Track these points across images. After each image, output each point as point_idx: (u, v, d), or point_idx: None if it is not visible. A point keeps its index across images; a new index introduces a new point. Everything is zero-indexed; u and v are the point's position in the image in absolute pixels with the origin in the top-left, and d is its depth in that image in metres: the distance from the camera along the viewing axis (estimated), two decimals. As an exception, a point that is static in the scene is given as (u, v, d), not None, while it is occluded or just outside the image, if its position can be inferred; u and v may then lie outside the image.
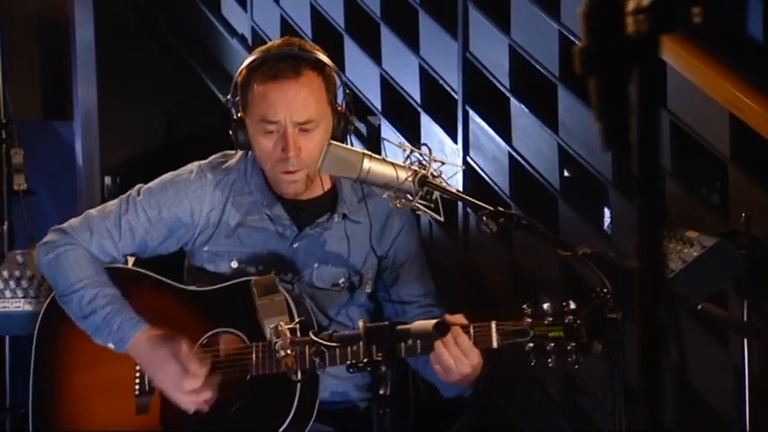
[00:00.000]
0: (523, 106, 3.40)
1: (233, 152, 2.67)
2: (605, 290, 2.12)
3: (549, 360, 2.23)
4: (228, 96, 2.60)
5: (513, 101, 3.44)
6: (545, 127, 3.32)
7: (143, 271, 2.66)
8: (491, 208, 2.23)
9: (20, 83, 4.99)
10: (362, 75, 4.01)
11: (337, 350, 2.16)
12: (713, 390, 2.87)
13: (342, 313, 2.62)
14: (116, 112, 4.87)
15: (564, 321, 2.22)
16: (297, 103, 2.50)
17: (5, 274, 3.08)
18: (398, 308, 2.65)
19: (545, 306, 2.24)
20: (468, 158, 3.60)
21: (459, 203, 3.63)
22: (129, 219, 2.61)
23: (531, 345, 2.25)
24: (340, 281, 2.61)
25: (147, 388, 2.56)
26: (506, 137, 3.46)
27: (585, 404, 3.29)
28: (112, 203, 2.66)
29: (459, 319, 2.37)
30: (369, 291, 2.65)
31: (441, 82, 3.69)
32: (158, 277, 2.64)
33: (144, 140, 5.14)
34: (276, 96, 2.50)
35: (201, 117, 4.82)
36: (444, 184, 2.30)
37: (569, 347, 2.22)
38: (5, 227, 3.88)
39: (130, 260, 2.76)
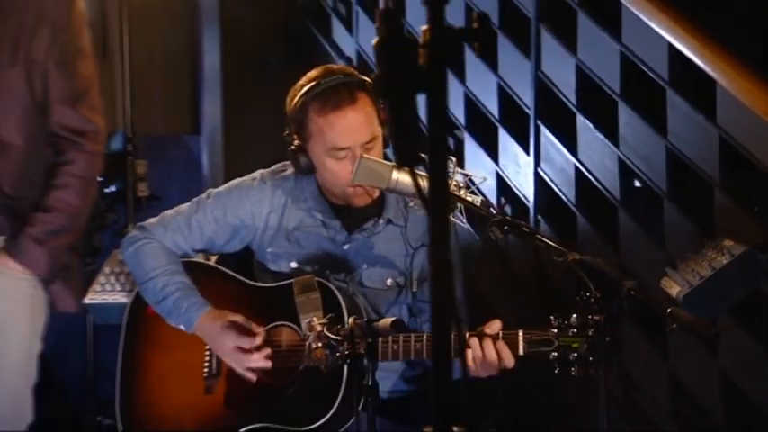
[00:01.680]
0: (588, 121, 3.34)
1: None
2: (588, 293, 2.09)
3: (573, 369, 2.21)
4: (286, 129, 2.63)
5: (578, 116, 3.38)
6: (607, 141, 3.25)
7: (215, 265, 2.76)
8: (498, 217, 2.22)
9: (162, 100, 5.19)
10: (449, 93, 4.00)
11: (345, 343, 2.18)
12: (756, 388, 2.77)
13: (391, 311, 2.64)
14: (246, 127, 4.98)
15: (587, 333, 2.19)
16: (360, 127, 2.54)
17: (107, 270, 3.23)
18: (422, 306, 2.66)
19: (572, 318, 2.22)
20: (539, 170, 3.55)
21: (531, 211, 3.61)
22: (198, 218, 2.70)
23: (556, 354, 2.23)
24: (387, 281, 2.63)
25: (214, 371, 2.64)
26: (573, 150, 3.40)
27: (646, 404, 3.21)
28: (186, 205, 2.75)
29: (495, 325, 2.35)
30: (415, 290, 2.65)
31: (516, 99, 3.65)
32: (228, 272, 2.72)
33: (271, 153, 5.24)
34: (342, 125, 2.54)
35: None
36: (463, 194, 2.29)
37: (591, 359, 2.19)
38: (129, 230, 4.02)
39: (213, 258, 2.85)
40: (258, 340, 2.51)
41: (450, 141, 4.09)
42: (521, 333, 2.30)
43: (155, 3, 5.00)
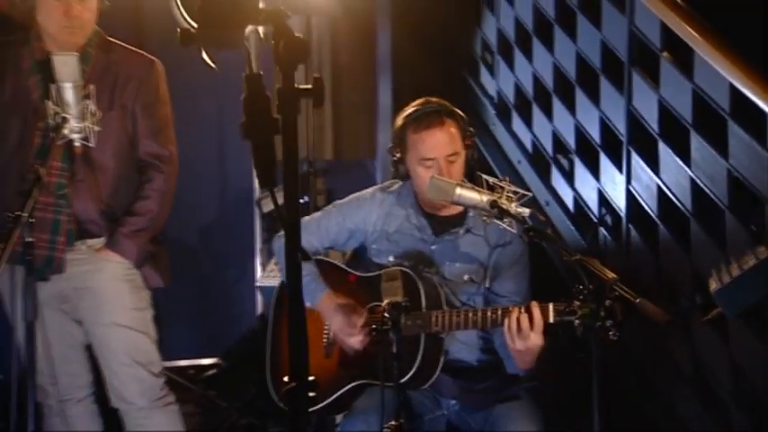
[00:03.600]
0: (666, 146, 3.34)
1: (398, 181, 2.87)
2: (581, 286, 2.13)
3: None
4: (390, 146, 2.79)
5: (660, 142, 3.38)
6: (681, 162, 3.24)
7: (333, 261, 2.93)
8: (528, 224, 2.29)
9: (349, 132, 5.48)
10: (563, 123, 4.06)
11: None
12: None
13: (470, 300, 2.72)
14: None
15: (605, 304, 2.24)
16: (444, 143, 2.68)
17: (273, 261, 3.48)
18: (493, 297, 2.72)
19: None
20: (630, 186, 3.56)
21: (623, 220, 3.62)
22: (325, 223, 2.89)
23: (578, 321, 2.28)
24: (465, 276, 2.72)
25: (331, 340, 2.81)
26: (655, 170, 3.40)
27: (712, 381, 3.17)
28: (319, 212, 2.95)
29: (534, 304, 2.43)
30: (488, 285, 2.73)
31: (612, 128, 3.68)
32: (342, 265, 2.90)
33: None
34: (430, 141, 2.68)
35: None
36: (510, 207, 2.37)
37: (608, 324, 2.23)
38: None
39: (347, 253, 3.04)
40: (360, 322, 2.67)
41: (565, 163, 4.13)
42: (551, 305, 2.38)
43: (350, 60, 5.32)
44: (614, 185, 3.67)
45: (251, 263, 5.16)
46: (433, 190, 2.46)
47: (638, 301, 2.15)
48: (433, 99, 2.80)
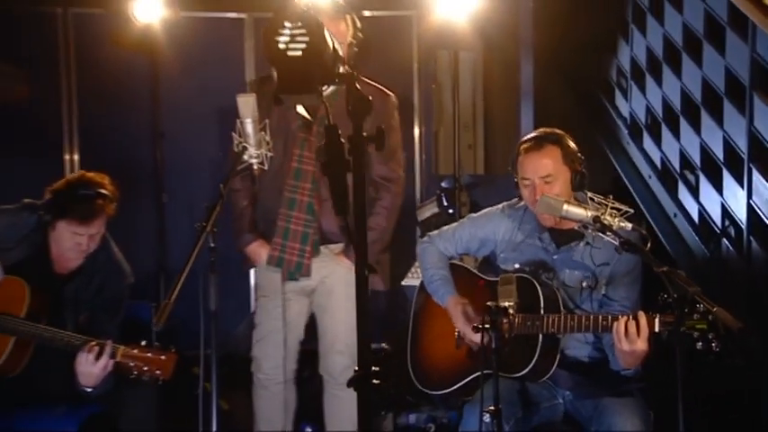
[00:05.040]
0: (785, 164, 3.29)
1: None
2: (665, 295, 2.16)
3: (698, 344, 2.28)
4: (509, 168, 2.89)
5: (779, 160, 3.34)
6: (799, 179, 3.19)
7: (466, 265, 3.05)
8: (624, 239, 2.35)
9: (497, 150, 5.62)
10: (689, 143, 4.04)
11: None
12: None
13: (585, 304, 2.76)
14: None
15: (708, 318, 2.26)
16: (540, 166, 2.73)
17: (416, 263, 3.63)
18: (606, 302, 2.75)
19: (698, 306, 2.28)
20: (751, 201, 3.52)
21: (744, 232, 3.57)
22: (460, 232, 3.01)
23: (668, 330, 2.31)
24: (582, 283, 2.75)
25: (461, 333, 2.94)
26: (775, 186, 3.36)
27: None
28: (456, 223, 3.08)
29: (641, 313, 2.47)
30: (603, 292, 2.78)
31: (734, 147, 3.64)
32: (472, 269, 3.02)
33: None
34: (527, 163, 2.76)
35: (600, 174, 4.97)
36: (613, 222, 2.42)
37: (710, 336, 2.26)
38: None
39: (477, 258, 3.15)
40: (470, 323, 2.78)
41: (691, 178, 4.11)
42: (657, 315, 2.41)
43: (498, 87, 5.48)
44: (736, 200, 3.63)
45: (413, 263, 5.40)
46: (543, 206, 2.56)
47: (714, 309, 2.17)
48: (548, 129, 2.86)
